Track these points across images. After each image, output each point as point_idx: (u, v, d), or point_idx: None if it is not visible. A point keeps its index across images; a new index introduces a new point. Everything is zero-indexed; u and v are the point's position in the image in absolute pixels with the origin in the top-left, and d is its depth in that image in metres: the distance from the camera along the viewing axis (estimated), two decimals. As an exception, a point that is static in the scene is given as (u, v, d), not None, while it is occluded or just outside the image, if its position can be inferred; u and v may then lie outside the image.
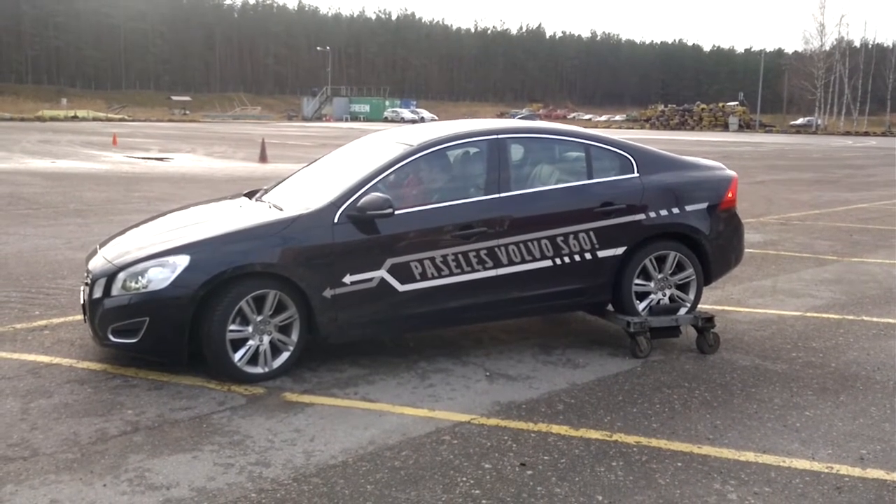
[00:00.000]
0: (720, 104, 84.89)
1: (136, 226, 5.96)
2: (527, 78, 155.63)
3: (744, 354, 5.66)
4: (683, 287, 5.79)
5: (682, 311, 5.70)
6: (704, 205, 5.81)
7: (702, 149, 38.04)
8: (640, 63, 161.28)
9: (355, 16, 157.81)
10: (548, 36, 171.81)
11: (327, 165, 6.16)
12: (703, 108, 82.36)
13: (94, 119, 67.06)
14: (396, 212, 5.02)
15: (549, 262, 5.40)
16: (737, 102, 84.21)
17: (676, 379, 5.11)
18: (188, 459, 3.82)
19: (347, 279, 4.97)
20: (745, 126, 75.99)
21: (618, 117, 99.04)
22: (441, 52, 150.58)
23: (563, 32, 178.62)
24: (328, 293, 4.94)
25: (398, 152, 5.37)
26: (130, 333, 4.80)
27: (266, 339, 4.90)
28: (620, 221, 5.55)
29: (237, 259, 4.79)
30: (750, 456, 3.98)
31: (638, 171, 5.72)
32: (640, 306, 5.66)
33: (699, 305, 5.96)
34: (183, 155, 26.58)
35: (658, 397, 4.77)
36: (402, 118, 79.57)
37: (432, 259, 5.13)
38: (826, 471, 3.84)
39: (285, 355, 4.97)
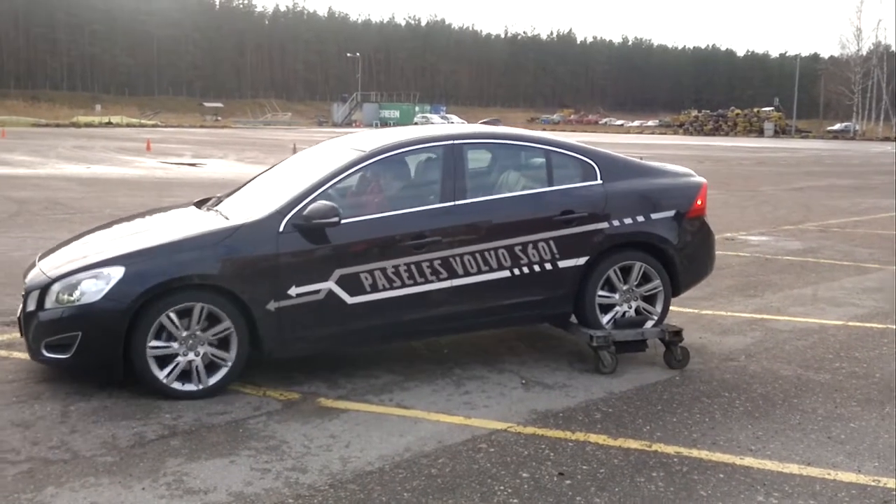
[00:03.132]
0: (755, 109, 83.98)
1: (81, 236, 5.73)
2: (557, 83, 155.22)
3: (785, 364, 5.57)
4: (650, 299, 5.58)
5: (649, 324, 5.50)
6: (671, 213, 5.61)
7: (736, 154, 37.68)
8: (672, 68, 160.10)
9: (385, 22, 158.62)
10: (578, 41, 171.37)
11: (282, 172, 5.91)
12: (737, 114, 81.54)
13: (128, 125, 68.12)
14: (346, 220, 4.87)
15: (506, 273, 5.21)
16: (772, 108, 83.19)
17: (716, 388, 5.04)
18: (225, 464, 3.84)
19: (293, 291, 4.77)
20: (780, 132, 75.03)
21: (650, 123, 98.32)
22: (471, 58, 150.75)
23: (595, 37, 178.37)
24: (272, 306, 4.73)
25: (350, 159, 5.22)
26: (63, 349, 4.60)
27: (197, 355, 4.68)
28: (581, 230, 5.35)
29: (173, 270, 4.61)
30: (794, 468, 3.91)
31: (601, 178, 5.52)
32: (605, 319, 5.46)
33: (667, 318, 5.72)
34: (215, 160, 26.90)
35: (698, 407, 4.71)
36: (432, 123, 79.78)
37: (383, 270, 4.93)
38: (873, 484, 3.76)
39: (223, 371, 4.72)
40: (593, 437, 4.23)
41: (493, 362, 5.48)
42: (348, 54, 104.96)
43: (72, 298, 4.60)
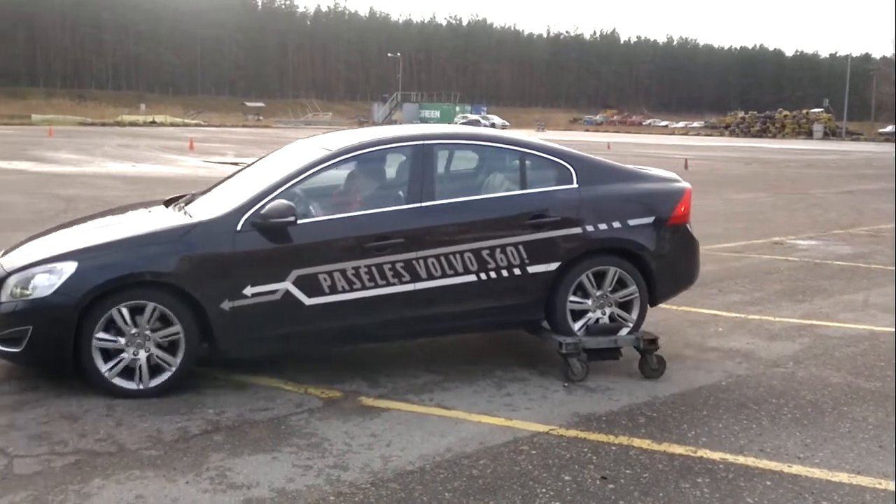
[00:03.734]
0: (804, 111, 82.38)
1: (50, 231, 5.69)
2: (600, 84, 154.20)
3: (835, 371, 5.46)
4: (625, 306, 5.41)
5: (624, 331, 5.34)
6: (650, 219, 5.42)
7: (784, 156, 37.05)
8: (718, 68, 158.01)
9: (426, 22, 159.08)
10: (622, 41, 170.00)
11: (255, 171, 5.81)
12: (785, 115, 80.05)
13: (172, 124, 69.28)
14: (307, 220, 4.88)
15: (473, 277, 5.08)
16: (821, 109, 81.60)
17: (763, 395, 4.97)
18: (268, 460, 3.89)
19: (248, 291, 4.71)
20: (830, 134, 73.56)
21: (695, 124, 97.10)
22: (512, 58, 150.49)
23: (639, 37, 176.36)
24: (226, 305, 4.68)
25: (316, 157, 5.15)
26: (15, 342, 4.59)
27: (143, 354, 4.63)
28: (553, 235, 5.21)
29: (126, 267, 4.62)
30: (843, 477, 3.84)
31: (577, 182, 5.37)
32: (576, 325, 5.32)
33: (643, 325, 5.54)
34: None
35: (744, 413, 4.65)
36: (474, 125, 79.91)
37: (343, 271, 4.84)
38: (927, 496, 3.68)
39: (166, 375, 4.68)
40: (637, 442, 4.20)
41: (534, 364, 5.47)
42: (389, 54, 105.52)
43: (26, 292, 4.60)
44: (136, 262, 4.67)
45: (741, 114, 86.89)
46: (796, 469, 3.91)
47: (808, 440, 4.27)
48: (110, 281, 4.57)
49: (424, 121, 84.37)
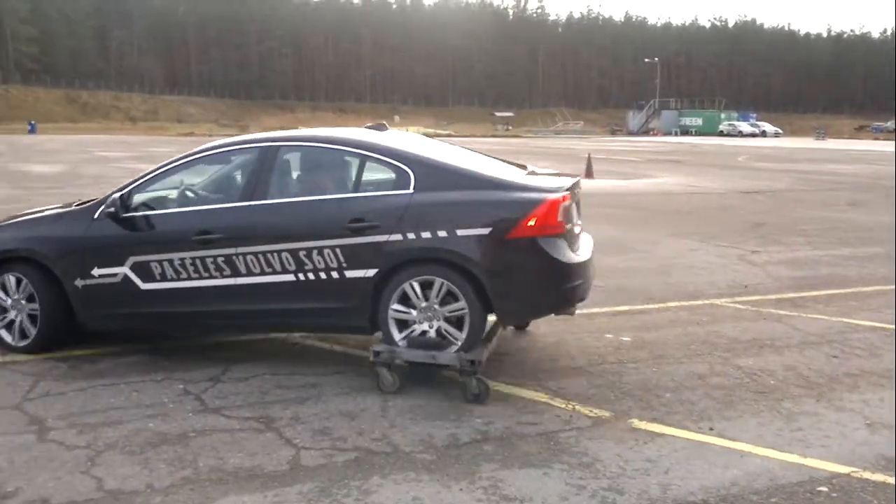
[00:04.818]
0: None
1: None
2: (892, 87, 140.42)
3: None
4: (457, 321, 5.12)
5: (453, 348, 5.05)
6: (485, 231, 5.07)
7: None
8: None
9: (687, 24, 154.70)
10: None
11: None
12: None
13: (424, 134, 72.85)
14: (146, 213, 5.61)
15: (290, 277, 5.28)
16: None
17: None
18: (539, 475, 3.95)
19: (96, 272, 5.60)
20: None
21: None
22: (785, 60, 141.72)
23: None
24: (79, 283, 5.63)
25: (178, 156, 5.83)
26: None
27: (20, 316, 5.76)
28: (371, 240, 5.17)
29: (7, 244, 5.87)
30: None
31: (413, 188, 5.24)
32: (399, 335, 5.14)
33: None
34: (508, 170, 27.81)
35: None
36: (741, 132, 76.26)
37: (171, 261, 5.44)
38: None
39: (27, 341, 5.77)
40: (965, 497, 3.75)
41: (828, 398, 5.08)
42: (646, 59, 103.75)
43: None
44: (15, 240, 5.91)
45: None
46: None
47: None
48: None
49: (685, 129, 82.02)
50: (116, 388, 5.12)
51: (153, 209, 5.69)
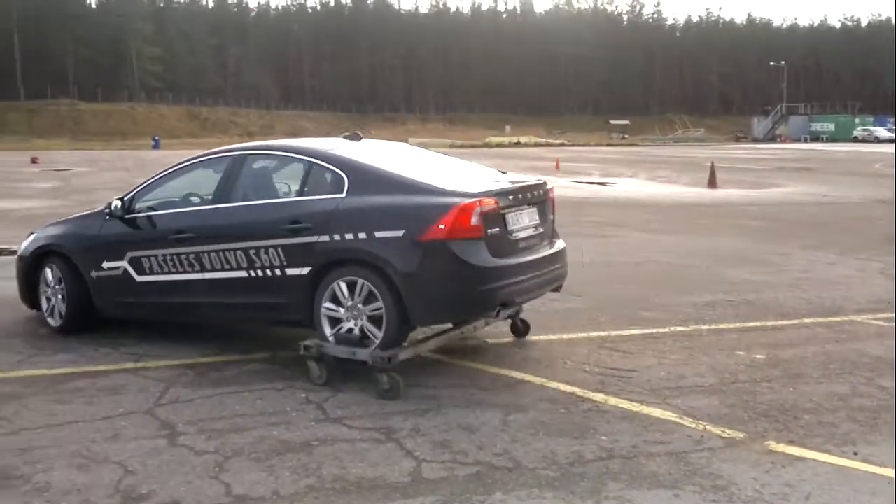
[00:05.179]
0: None
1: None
2: None
3: None
4: (377, 321, 5.45)
5: (373, 346, 5.43)
6: (398, 233, 5.36)
7: None
8: None
9: (815, 25, 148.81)
10: None
11: None
12: None
13: (535, 144, 72.98)
14: (141, 214, 6.51)
15: (244, 273, 5.93)
16: None
17: None
18: (669, 496, 3.85)
19: (105, 265, 6.56)
20: None
21: None
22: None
23: None
24: (94, 274, 6.62)
25: (174, 163, 6.76)
26: None
27: (56, 302, 6.88)
28: (304, 241, 5.65)
29: (46, 241, 7.02)
30: None
31: (347, 192, 5.65)
32: (330, 332, 5.58)
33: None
34: (625, 179, 27.50)
35: None
36: (877, 137, 72.69)
37: (156, 257, 6.31)
38: None
39: (61, 322, 6.87)
40: None
41: None
42: (771, 63, 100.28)
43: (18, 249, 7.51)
44: (51, 238, 7.04)
45: None
46: None
47: None
48: (39, 248, 7.06)
49: (815, 135, 78.91)
50: (241, 395, 5.31)
51: (147, 210, 6.61)
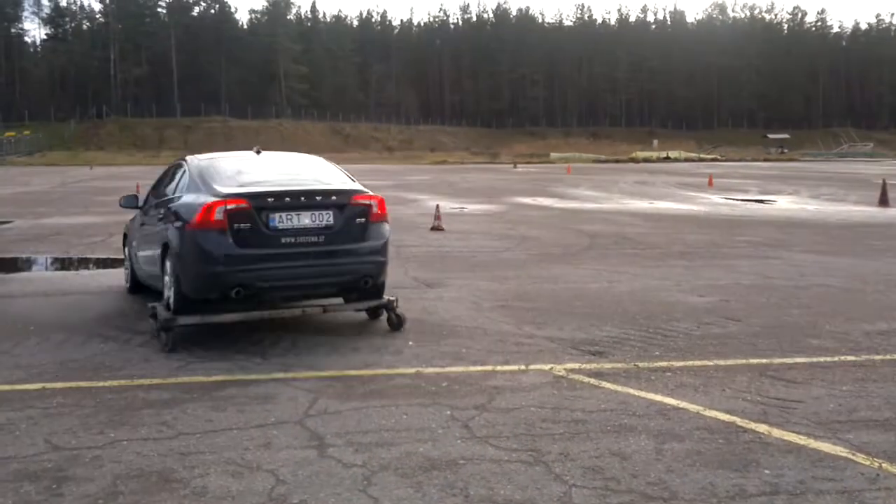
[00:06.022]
0: None
1: None
2: None
3: None
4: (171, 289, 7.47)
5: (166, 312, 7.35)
6: (179, 223, 7.35)
7: None
8: None
9: None
10: None
11: None
12: None
13: (686, 159, 71.20)
14: (143, 205, 9.24)
15: (151, 251, 8.21)
16: None
17: None
18: (843, 539, 3.63)
19: (134, 243, 9.38)
20: None
21: None
22: None
23: None
24: (135, 252, 9.24)
25: (165, 168, 9.45)
26: None
27: (127, 271, 9.92)
28: (159, 229, 8.01)
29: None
30: None
31: (186, 191, 7.76)
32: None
33: None
34: (785, 197, 26.44)
35: None
36: None
37: (138, 236, 9.20)
38: None
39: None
40: None
41: None
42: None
43: None
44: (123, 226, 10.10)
45: None
46: None
47: None
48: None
49: None
50: (387, 409, 5.41)
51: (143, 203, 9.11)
